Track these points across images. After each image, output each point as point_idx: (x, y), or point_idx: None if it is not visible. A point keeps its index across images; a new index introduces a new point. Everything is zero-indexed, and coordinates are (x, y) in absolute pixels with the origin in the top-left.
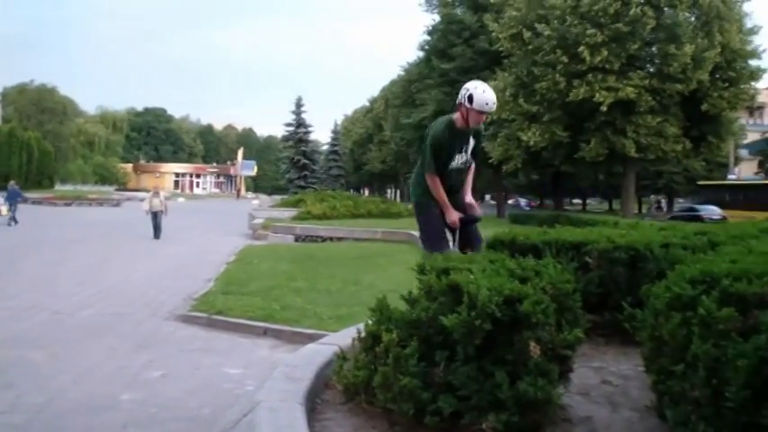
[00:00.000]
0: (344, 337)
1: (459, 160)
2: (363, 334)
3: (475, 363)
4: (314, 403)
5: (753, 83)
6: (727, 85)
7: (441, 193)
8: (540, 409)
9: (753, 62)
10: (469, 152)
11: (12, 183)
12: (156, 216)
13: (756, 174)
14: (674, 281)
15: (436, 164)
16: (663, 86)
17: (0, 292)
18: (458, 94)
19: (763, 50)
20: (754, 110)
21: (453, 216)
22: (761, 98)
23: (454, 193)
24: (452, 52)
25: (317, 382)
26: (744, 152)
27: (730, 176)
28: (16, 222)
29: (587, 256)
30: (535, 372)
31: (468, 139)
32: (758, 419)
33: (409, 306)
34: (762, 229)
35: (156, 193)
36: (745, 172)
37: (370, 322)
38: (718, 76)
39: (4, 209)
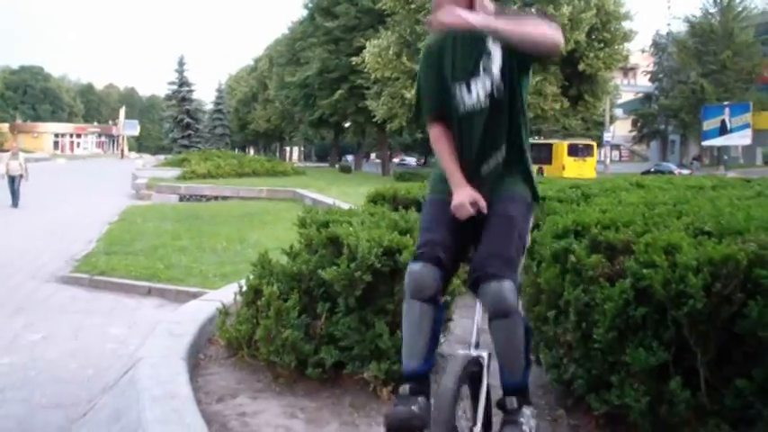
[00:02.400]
0: (227, 293)
1: (474, 92)
2: (245, 288)
3: (356, 314)
4: (197, 359)
5: (626, 44)
6: (602, 45)
7: (446, 158)
8: None
9: (626, 24)
10: (497, 73)
11: None
12: (13, 181)
13: (630, 132)
14: (547, 231)
15: (433, 102)
16: None
17: None
18: (342, 52)
19: (636, 13)
20: (627, 71)
21: (462, 196)
22: (633, 59)
23: (477, 171)
24: (336, 10)
25: (199, 337)
26: (619, 111)
27: (606, 134)
28: None
29: None
30: None
31: (486, 46)
32: (622, 358)
33: (290, 260)
34: (632, 183)
35: (15, 155)
36: (619, 130)
37: (251, 277)
38: (594, 36)
39: None
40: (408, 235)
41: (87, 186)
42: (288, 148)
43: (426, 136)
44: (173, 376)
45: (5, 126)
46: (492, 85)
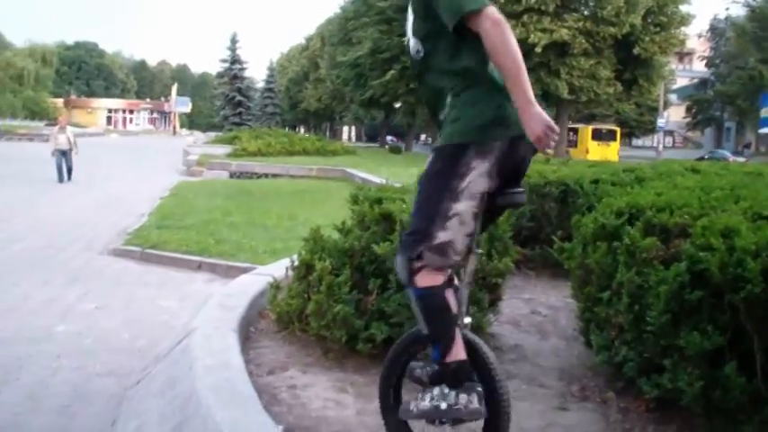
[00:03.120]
0: (278, 268)
1: (412, 49)
2: (297, 263)
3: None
4: (248, 332)
5: (683, 28)
6: (658, 29)
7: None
8: None
9: (683, 8)
10: (411, 35)
11: None
12: (64, 155)
13: (684, 118)
14: (601, 212)
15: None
16: (597, 29)
17: None
18: (394, 32)
19: None
20: (683, 56)
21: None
22: (690, 44)
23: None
24: None
25: (250, 311)
26: (673, 97)
27: (660, 120)
28: None
29: None
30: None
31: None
32: (676, 342)
33: (342, 236)
34: (687, 168)
35: (63, 129)
36: (673, 116)
37: (303, 252)
38: (650, 20)
39: None
40: None
41: (139, 162)
42: (341, 128)
43: None
44: (225, 347)
45: (60, 101)
46: (415, 45)
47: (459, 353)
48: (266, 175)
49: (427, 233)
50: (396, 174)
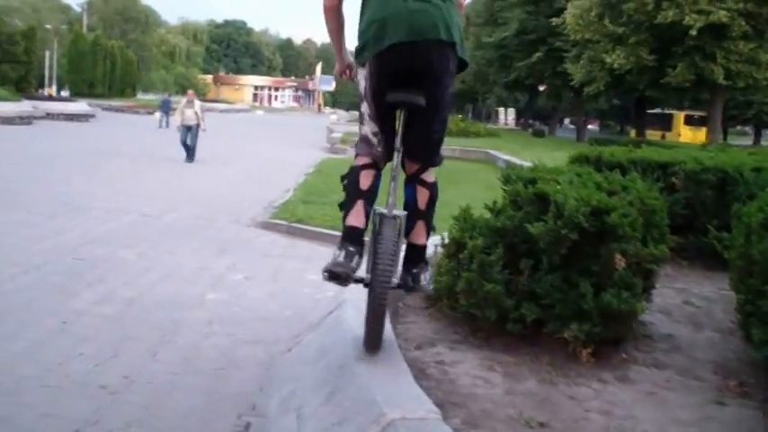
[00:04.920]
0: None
1: None
2: (447, 241)
3: (560, 272)
4: (396, 306)
5: None
6: None
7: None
8: (623, 322)
9: None
10: None
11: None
12: (189, 130)
13: None
14: (766, 201)
15: None
16: (759, 10)
17: (90, 193)
18: (541, 13)
19: None
20: None
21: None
22: None
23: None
24: None
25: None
26: None
27: None
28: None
29: (674, 177)
30: (620, 284)
31: None
32: None
33: (493, 215)
34: None
35: (191, 103)
36: None
37: (453, 230)
38: None
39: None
40: (615, 196)
41: (284, 138)
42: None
43: (624, 104)
44: None
45: (209, 77)
46: None
47: (354, 221)
48: None
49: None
50: (540, 157)
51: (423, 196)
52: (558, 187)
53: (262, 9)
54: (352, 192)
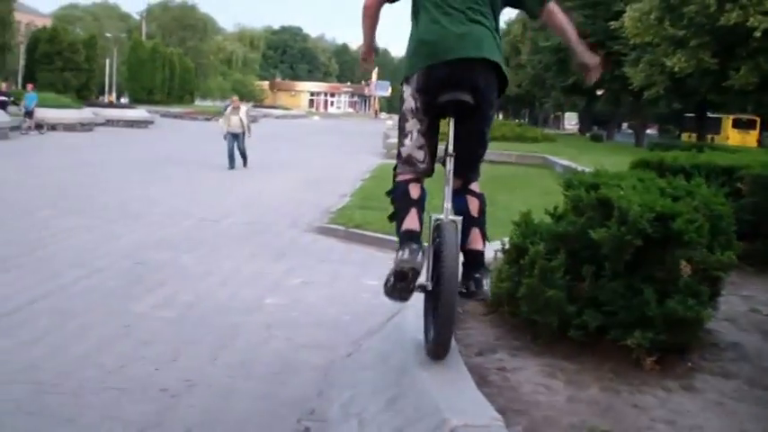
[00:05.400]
0: (486, 251)
1: None
2: (507, 246)
3: (623, 279)
4: (456, 312)
5: None
6: None
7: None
8: (688, 330)
9: None
10: None
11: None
12: (236, 138)
13: None
14: None
15: None
16: None
17: (149, 199)
18: (599, 17)
19: None
20: None
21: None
22: None
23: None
24: None
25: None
26: None
27: None
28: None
29: (740, 182)
30: (685, 291)
31: None
32: None
33: (554, 221)
34: None
35: (236, 109)
36: None
37: (514, 236)
38: None
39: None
40: (680, 201)
41: (341, 143)
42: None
43: (685, 108)
44: None
45: (266, 84)
46: None
47: (410, 224)
48: None
49: (398, 152)
50: (598, 162)
51: (473, 205)
52: (622, 192)
53: (318, 15)
54: (404, 201)
